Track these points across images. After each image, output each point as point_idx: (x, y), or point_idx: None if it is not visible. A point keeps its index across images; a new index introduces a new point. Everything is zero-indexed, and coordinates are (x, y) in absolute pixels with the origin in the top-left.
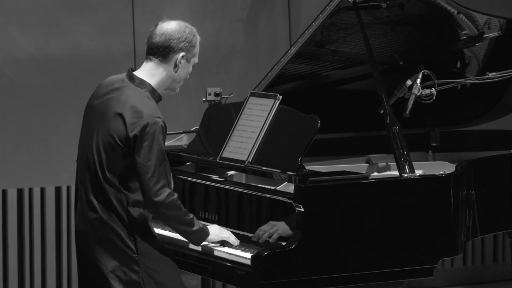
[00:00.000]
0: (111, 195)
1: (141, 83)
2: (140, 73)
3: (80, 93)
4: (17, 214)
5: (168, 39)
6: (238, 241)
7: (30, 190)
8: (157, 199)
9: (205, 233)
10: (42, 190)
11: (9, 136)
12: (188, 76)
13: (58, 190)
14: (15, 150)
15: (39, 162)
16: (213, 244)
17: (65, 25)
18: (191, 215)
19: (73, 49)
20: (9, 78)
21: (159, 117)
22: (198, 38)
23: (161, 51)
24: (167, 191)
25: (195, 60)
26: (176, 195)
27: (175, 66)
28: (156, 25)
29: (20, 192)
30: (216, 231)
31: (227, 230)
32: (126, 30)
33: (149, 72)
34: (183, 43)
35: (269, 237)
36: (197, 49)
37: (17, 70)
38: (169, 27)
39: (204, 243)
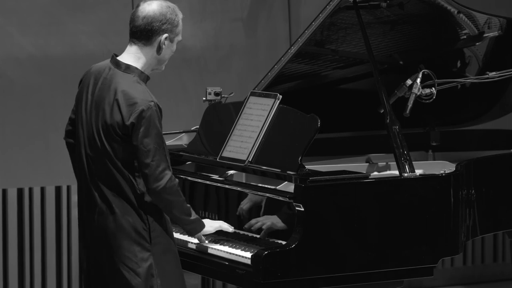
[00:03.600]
0: (123, 184)
1: (128, 68)
2: (125, 57)
3: None
4: (17, 214)
5: (150, 22)
6: (232, 227)
7: (30, 190)
8: (159, 183)
9: (201, 224)
10: (42, 190)
11: (9, 135)
12: (172, 54)
13: (58, 189)
14: (15, 150)
15: (39, 162)
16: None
17: (65, 25)
18: (188, 205)
19: (72, 49)
20: (9, 78)
21: (152, 101)
22: (180, 16)
23: (144, 34)
24: (168, 174)
25: (179, 38)
26: (177, 181)
27: (159, 48)
28: (138, 6)
29: (20, 191)
30: (209, 223)
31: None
32: (127, 30)
33: (134, 55)
34: (165, 25)
35: (261, 226)
36: (180, 28)
37: (17, 70)
38: (151, 8)
39: (199, 234)
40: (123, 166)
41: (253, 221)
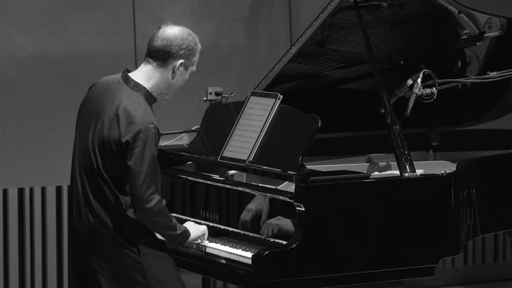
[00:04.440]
0: (111, 198)
1: (136, 86)
2: (136, 75)
3: (80, 93)
4: (18, 214)
5: (169, 45)
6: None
7: (31, 190)
8: (148, 205)
9: (187, 234)
10: (43, 190)
11: (9, 135)
12: (183, 83)
13: (58, 189)
14: (15, 150)
15: (39, 162)
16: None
17: (65, 25)
18: (174, 220)
19: (72, 49)
20: (9, 78)
21: (152, 123)
22: (199, 47)
23: (160, 55)
24: (157, 197)
25: (193, 68)
26: (164, 202)
27: (173, 72)
28: (159, 28)
29: (21, 191)
30: (194, 228)
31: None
32: (127, 30)
33: (146, 74)
34: (183, 50)
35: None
36: (196, 57)
37: (17, 70)
38: (172, 32)
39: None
40: (112, 181)
41: (264, 226)
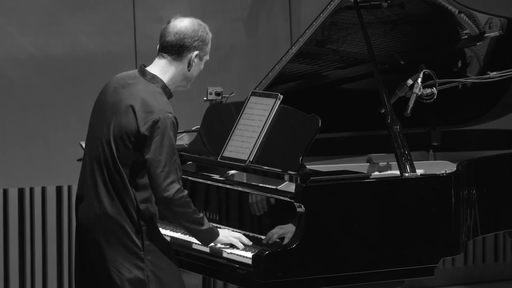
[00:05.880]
0: (121, 190)
1: (153, 78)
2: (152, 69)
3: (80, 93)
4: (18, 214)
5: (183, 38)
6: (250, 242)
7: (31, 190)
8: (166, 194)
9: (214, 234)
10: (43, 190)
11: (9, 135)
12: (198, 73)
13: (59, 189)
14: (15, 150)
15: (39, 162)
16: (220, 245)
17: (65, 25)
18: (201, 215)
19: (73, 49)
20: (9, 78)
21: (170, 112)
22: (210, 35)
23: (175, 50)
24: (176, 186)
25: (207, 57)
26: (186, 192)
27: (189, 64)
28: (169, 22)
29: (21, 191)
30: (226, 233)
31: (239, 232)
32: (127, 30)
33: (162, 68)
34: (197, 42)
35: (279, 239)
36: (209, 47)
37: (17, 70)
38: (183, 25)
39: (212, 244)
40: (125, 172)
41: (269, 234)
